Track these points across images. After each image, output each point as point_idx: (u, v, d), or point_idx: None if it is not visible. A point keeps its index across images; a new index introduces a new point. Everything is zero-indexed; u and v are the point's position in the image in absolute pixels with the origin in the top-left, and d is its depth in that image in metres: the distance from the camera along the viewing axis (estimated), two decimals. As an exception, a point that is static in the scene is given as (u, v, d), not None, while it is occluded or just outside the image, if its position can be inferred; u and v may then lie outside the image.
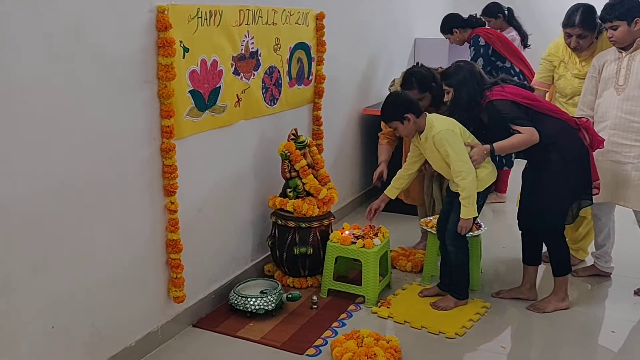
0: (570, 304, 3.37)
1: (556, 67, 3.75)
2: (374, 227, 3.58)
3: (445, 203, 3.50)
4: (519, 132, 3.10)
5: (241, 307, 3.21)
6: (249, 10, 3.30)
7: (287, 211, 3.50)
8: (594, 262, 3.80)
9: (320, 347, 2.98)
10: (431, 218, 3.79)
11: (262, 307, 3.19)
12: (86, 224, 2.48)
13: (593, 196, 3.28)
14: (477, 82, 3.22)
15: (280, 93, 3.72)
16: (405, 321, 3.23)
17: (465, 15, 5.11)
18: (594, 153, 3.25)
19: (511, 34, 5.17)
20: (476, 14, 5.16)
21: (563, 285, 3.36)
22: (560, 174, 3.17)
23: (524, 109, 3.15)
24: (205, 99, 3.05)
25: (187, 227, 3.02)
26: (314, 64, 4.06)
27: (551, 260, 3.34)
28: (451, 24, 5.06)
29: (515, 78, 4.79)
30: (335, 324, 3.21)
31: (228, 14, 3.13)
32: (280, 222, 3.52)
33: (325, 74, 4.16)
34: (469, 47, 5.02)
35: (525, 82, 3.77)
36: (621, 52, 3.31)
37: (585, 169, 3.20)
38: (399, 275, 3.84)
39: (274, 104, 3.68)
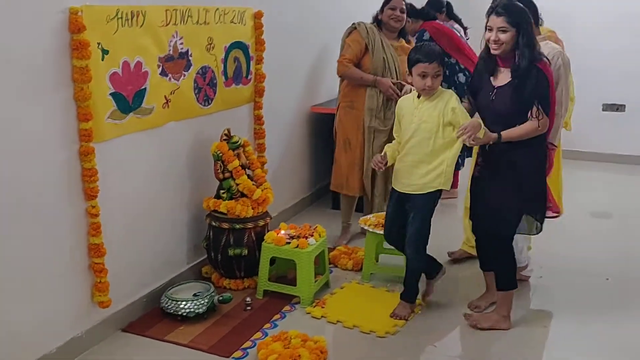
0: (511, 324, 3.17)
1: None
2: (311, 226, 3.56)
3: (391, 208, 3.30)
4: (531, 118, 2.90)
5: (172, 311, 3.18)
6: (177, 10, 3.26)
7: (222, 212, 3.47)
8: None
9: (248, 350, 2.96)
10: (370, 216, 3.78)
11: (192, 310, 3.16)
12: (1, 228, 2.45)
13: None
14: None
15: (215, 93, 3.69)
16: (338, 321, 3.22)
17: (419, 6, 5.07)
18: None
19: (455, 27, 5.15)
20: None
21: (505, 303, 3.17)
22: (522, 180, 3.02)
23: None
24: (129, 101, 3.01)
25: (112, 230, 2.98)
26: (252, 63, 4.03)
27: (495, 271, 3.21)
28: None
29: (461, 74, 4.82)
30: (267, 325, 3.20)
31: (153, 14, 3.09)
32: (214, 223, 3.49)
33: (267, 72, 4.12)
34: (415, 40, 4.99)
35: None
36: None
37: (543, 184, 3.10)
38: (340, 274, 3.83)
39: (209, 104, 3.64)
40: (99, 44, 2.78)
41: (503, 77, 2.98)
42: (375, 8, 4.19)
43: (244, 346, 2.99)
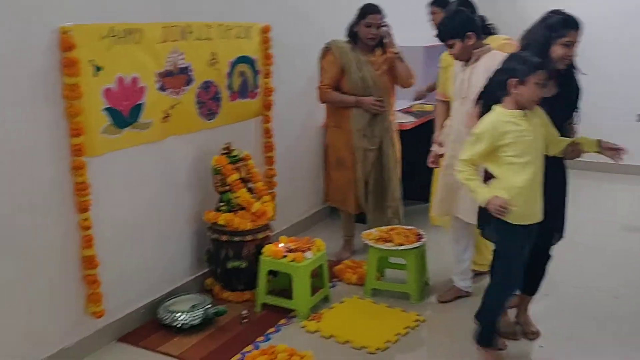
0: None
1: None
2: (310, 240, 3.56)
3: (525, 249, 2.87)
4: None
5: (168, 322, 3.22)
6: (176, 27, 3.33)
7: (221, 225, 3.51)
8: (455, 282, 3.61)
9: (236, 363, 2.97)
10: (373, 230, 3.75)
11: (187, 322, 3.20)
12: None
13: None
14: None
15: (219, 107, 3.73)
16: (331, 335, 3.19)
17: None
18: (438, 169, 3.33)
19: None
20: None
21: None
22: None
23: None
24: (124, 116, 3.08)
25: (108, 243, 3.06)
26: (260, 77, 4.07)
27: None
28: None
29: None
30: (260, 338, 3.20)
31: (150, 31, 3.16)
32: (214, 236, 3.53)
33: (277, 86, 4.15)
34: None
35: None
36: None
37: None
38: (344, 288, 3.80)
39: (213, 118, 3.69)
40: (91, 60, 2.86)
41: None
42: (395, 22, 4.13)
43: (233, 359, 3.00)
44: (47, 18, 2.66)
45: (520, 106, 2.63)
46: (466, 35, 3.14)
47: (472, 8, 3.49)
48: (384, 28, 3.90)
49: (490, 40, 3.37)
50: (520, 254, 2.79)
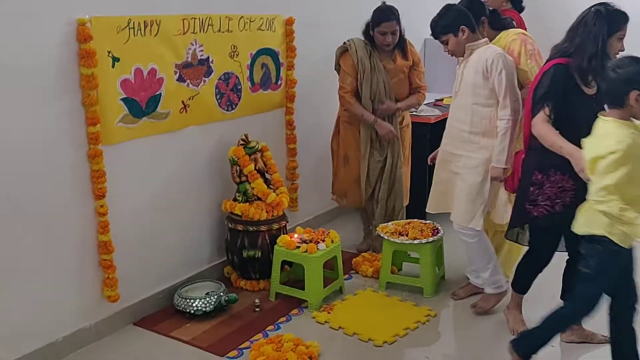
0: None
1: None
2: (325, 231, 3.58)
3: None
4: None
5: (182, 308, 3.30)
6: (195, 19, 3.39)
7: (237, 215, 3.56)
8: (471, 280, 3.55)
9: (244, 350, 3.02)
10: (389, 224, 3.74)
11: (200, 308, 3.27)
12: (9, 223, 2.67)
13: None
14: None
15: (240, 98, 3.79)
16: (340, 327, 3.21)
17: None
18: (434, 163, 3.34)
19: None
20: None
21: None
22: None
23: None
24: (142, 106, 3.17)
25: (124, 229, 3.15)
26: (283, 69, 4.10)
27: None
28: None
29: None
30: (270, 327, 3.24)
31: (168, 23, 3.23)
32: (231, 225, 3.59)
33: (300, 78, 4.17)
34: None
35: None
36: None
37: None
38: (360, 280, 3.81)
39: (232, 109, 3.75)
40: (109, 52, 2.96)
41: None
42: (407, 14, 4.09)
43: (242, 346, 3.05)
44: (65, 10, 2.76)
45: (630, 117, 2.37)
46: (460, 29, 3.12)
47: (479, 5, 3.40)
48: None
49: (503, 35, 3.32)
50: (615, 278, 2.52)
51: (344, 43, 3.93)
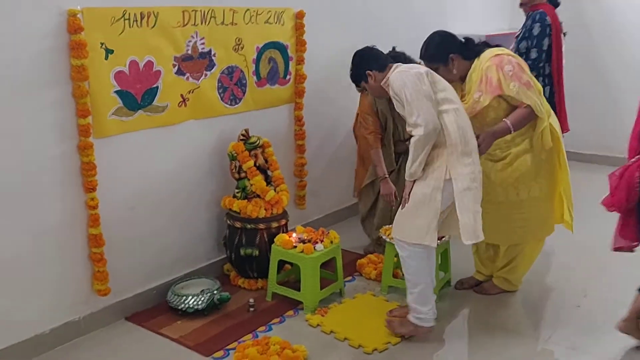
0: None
1: None
2: (324, 231, 3.48)
3: None
4: None
5: (174, 305, 3.25)
6: (196, 11, 3.32)
7: (235, 211, 3.50)
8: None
9: (230, 351, 2.95)
10: (388, 226, 3.60)
11: (191, 306, 3.21)
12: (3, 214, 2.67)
13: None
14: None
15: (244, 93, 3.71)
16: (331, 331, 3.11)
17: None
18: None
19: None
20: None
21: None
22: None
23: None
24: (137, 99, 3.12)
25: (116, 223, 3.12)
26: (292, 64, 4.00)
27: None
28: None
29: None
30: (261, 328, 3.17)
31: (166, 15, 3.17)
32: (229, 222, 3.53)
33: (311, 73, 4.07)
34: (532, 22, 4.29)
35: None
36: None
37: None
38: (362, 283, 3.70)
39: (236, 103, 3.68)
40: (102, 43, 2.92)
41: None
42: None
43: (229, 347, 2.98)
44: (56, 1, 2.72)
45: None
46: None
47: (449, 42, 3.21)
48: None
49: (477, 64, 3.08)
50: None
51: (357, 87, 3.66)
